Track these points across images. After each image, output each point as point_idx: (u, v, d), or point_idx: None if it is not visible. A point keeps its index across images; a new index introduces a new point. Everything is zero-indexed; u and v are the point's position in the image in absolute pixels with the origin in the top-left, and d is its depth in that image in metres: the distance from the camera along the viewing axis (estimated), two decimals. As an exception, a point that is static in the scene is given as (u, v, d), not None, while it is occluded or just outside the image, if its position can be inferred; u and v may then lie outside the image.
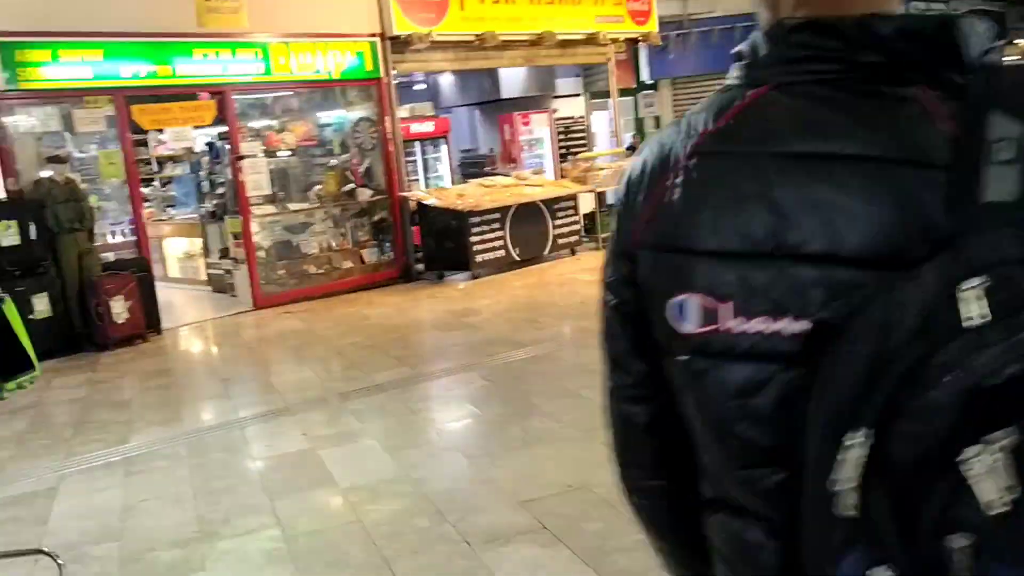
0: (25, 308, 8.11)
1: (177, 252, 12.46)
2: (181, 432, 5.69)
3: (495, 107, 15.47)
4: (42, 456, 5.46)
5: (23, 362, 3.41)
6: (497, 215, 11.06)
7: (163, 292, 11.25)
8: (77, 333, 8.64)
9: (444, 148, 14.09)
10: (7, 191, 8.48)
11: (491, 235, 11.02)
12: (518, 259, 11.30)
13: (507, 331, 7.82)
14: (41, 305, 8.29)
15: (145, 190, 14.24)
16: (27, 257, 8.30)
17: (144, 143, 14.62)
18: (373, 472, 4.67)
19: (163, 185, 14.19)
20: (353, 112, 11.48)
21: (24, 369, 3.41)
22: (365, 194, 11.30)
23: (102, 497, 4.64)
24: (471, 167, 15.51)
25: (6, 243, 8.17)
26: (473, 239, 10.79)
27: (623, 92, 15.02)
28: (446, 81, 15.97)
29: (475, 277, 10.81)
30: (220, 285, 11.37)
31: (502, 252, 11.14)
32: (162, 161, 14.64)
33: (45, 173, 8.69)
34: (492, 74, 14.61)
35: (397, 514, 4.07)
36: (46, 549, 3.67)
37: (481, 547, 3.64)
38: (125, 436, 5.70)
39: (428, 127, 13.72)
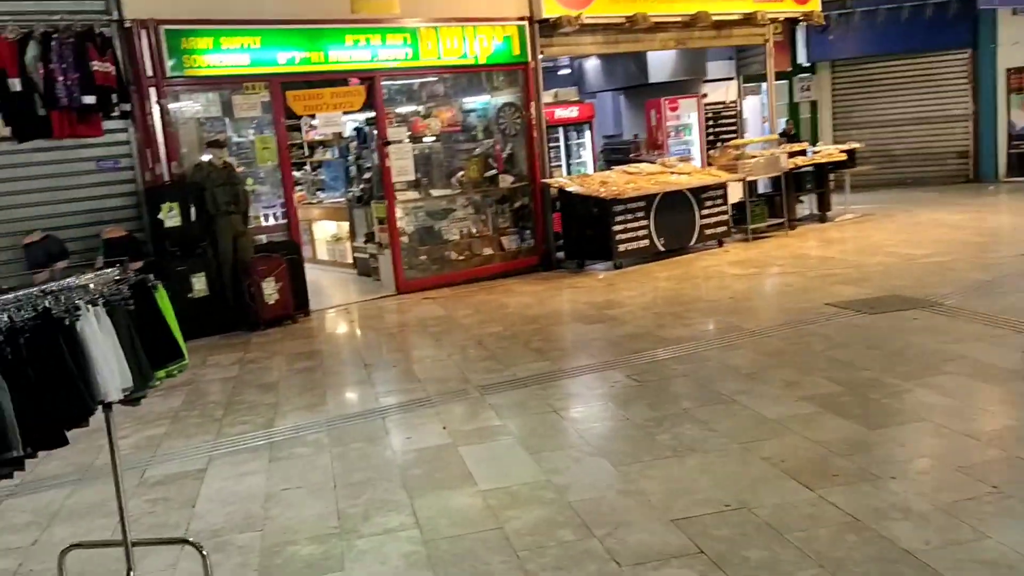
0: (184, 287, 8.42)
1: (325, 235, 12.73)
2: (324, 418, 5.67)
3: (642, 92, 15.00)
4: (194, 435, 5.56)
5: (173, 350, 3.36)
6: (641, 203, 10.67)
7: (311, 274, 11.49)
8: (231, 312, 8.89)
9: (587, 134, 13.74)
10: (171, 174, 8.80)
11: (635, 224, 10.63)
12: (662, 249, 10.87)
13: (651, 326, 7.45)
14: (199, 284, 8.57)
15: (296, 174, 14.64)
16: (187, 238, 8.58)
17: (297, 128, 15.05)
18: (514, 474, 4.45)
19: (313, 169, 14.54)
20: (498, 97, 11.32)
21: (174, 358, 3.37)
22: (507, 180, 11.14)
23: (247, 483, 4.64)
24: (614, 154, 15.12)
25: (169, 224, 8.47)
26: (616, 228, 10.44)
27: (778, 76, 14.21)
28: (591, 65, 15.60)
29: (617, 267, 10.46)
30: (365, 269, 11.51)
31: (646, 242, 10.74)
32: (313, 146, 15.02)
33: (205, 157, 8.97)
34: (639, 57, 14.14)
35: (540, 523, 3.83)
36: (192, 539, 3.65)
37: (632, 569, 3.35)
38: (271, 419, 5.73)
39: (572, 112, 13.41)
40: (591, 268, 10.72)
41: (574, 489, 4.20)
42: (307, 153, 15.07)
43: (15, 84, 7.84)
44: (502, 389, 5.97)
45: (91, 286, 3.12)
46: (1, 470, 2.51)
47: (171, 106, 8.84)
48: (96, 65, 8.19)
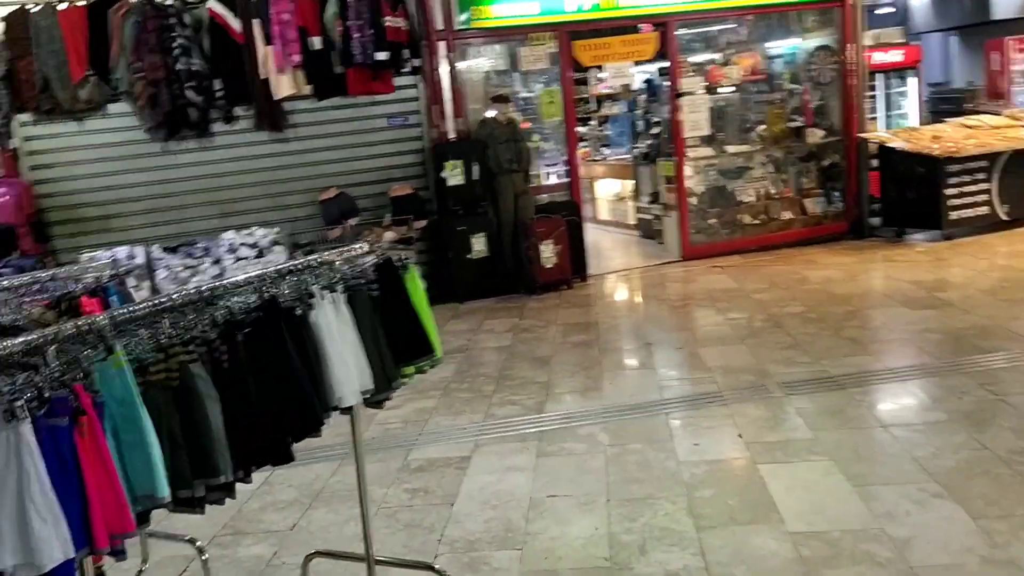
0: (463, 247, 8.12)
1: (608, 194, 12.03)
2: (599, 407, 4.98)
3: (980, 31, 12.57)
4: (462, 412, 5.12)
5: (421, 344, 2.78)
6: (982, 163, 8.78)
7: (591, 234, 10.89)
8: (509, 274, 8.50)
9: (913, 81, 11.73)
10: (456, 131, 8.51)
11: (972, 188, 8.79)
12: (1005, 218, 8.91)
13: (1002, 317, 5.92)
14: (479, 245, 8.24)
15: (581, 129, 14.09)
16: (469, 197, 8.26)
17: (584, 81, 14.44)
18: (833, 513, 3.45)
19: (599, 124, 13.88)
20: (809, 40, 9.83)
21: (422, 353, 2.79)
22: (815, 135, 9.68)
23: (511, 481, 4.06)
24: (943, 104, 12.87)
25: (452, 182, 8.19)
26: (948, 191, 8.68)
27: None
28: (918, 2, 13.34)
29: (947, 238, 8.72)
30: (648, 231, 10.68)
31: (985, 209, 8.85)
32: (600, 100, 14.34)
33: (490, 113, 8.57)
34: (984, -12, 11.78)
35: (874, 598, 2.84)
36: (437, 568, 3.10)
37: None
38: (542, 402, 5.15)
39: (895, 56, 11.49)
40: (911, 238, 9.05)
41: (918, 547, 3.13)
42: (593, 107, 14.44)
43: (315, 42, 7.83)
44: (810, 388, 4.91)
45: (336, 263, 2.59)
46: (209, 496, 2.04)
47: (458, 61, 8.52)
48: (388, 21, 7.99)
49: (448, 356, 6.23)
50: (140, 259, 7.36)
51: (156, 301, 2.01)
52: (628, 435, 4.48)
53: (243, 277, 2.27)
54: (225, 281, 2.24)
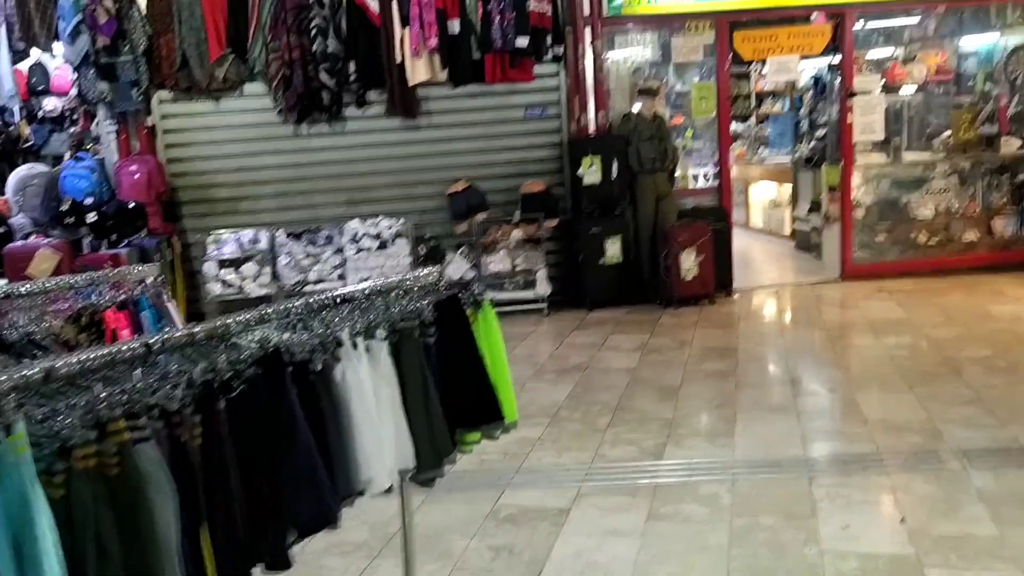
0: (596, 251, 7.44)
1: (762, 199, 10.97)
2: (727, 459, 4.19)
3: None
4: (568, 449, 4.45)
5: (489, 408, 2.14)
6: None
7: (741, 241, 9.99)
8: (645, 284, 7.74)
9: None
10: (597, 125, 7.81)
11: None
12: None
13: None
14: (612, 250, 7.51)
15: (739, 127, 13.03)
16: (606, 197, 7.55)
17: (746, 76, 13.36)
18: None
19: (758, 123, 12.78)
20: (1010, 37, 8.45)
21: (490, 418, 2.14)
22: (1011, 145, 8.31)
23: (612, 550, 3.36)
24: None
25: (588, 181, 7.50)
26: None
27: None
28: None
29: None
30: (805, 243, 9.61)
31: None
32: (761, 97, 13.23)
33: (635, 107, 7.82)
34: None
35: None
36: None
37: None
38: (661, 444, 4.40)
39: (1117, 57, 9.74)
40: None
41: None
42: (753, 104, 13.33)
43: (454, 26, 7.34)
44: (996, 462, 3.92)
45: (393, 296, 1.99)
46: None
47: (604, 50, 7.80)
48: (533, 4, 7.38)
49: (566, 374, 5.60)
50: (264, 244, 7.12)
51: (98, 355, 1.47)
52: (760, 503, 3.68)
53: (242, 318, 1.69)
54: (205, 331, 1.66)
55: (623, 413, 4.87)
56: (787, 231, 10.23)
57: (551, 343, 6.50)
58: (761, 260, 9.49)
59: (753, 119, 12.83)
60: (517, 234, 7.45)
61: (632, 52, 8.11)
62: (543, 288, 7.39)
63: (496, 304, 2.28)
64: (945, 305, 6.96)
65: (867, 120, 8.19)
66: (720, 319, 7.01)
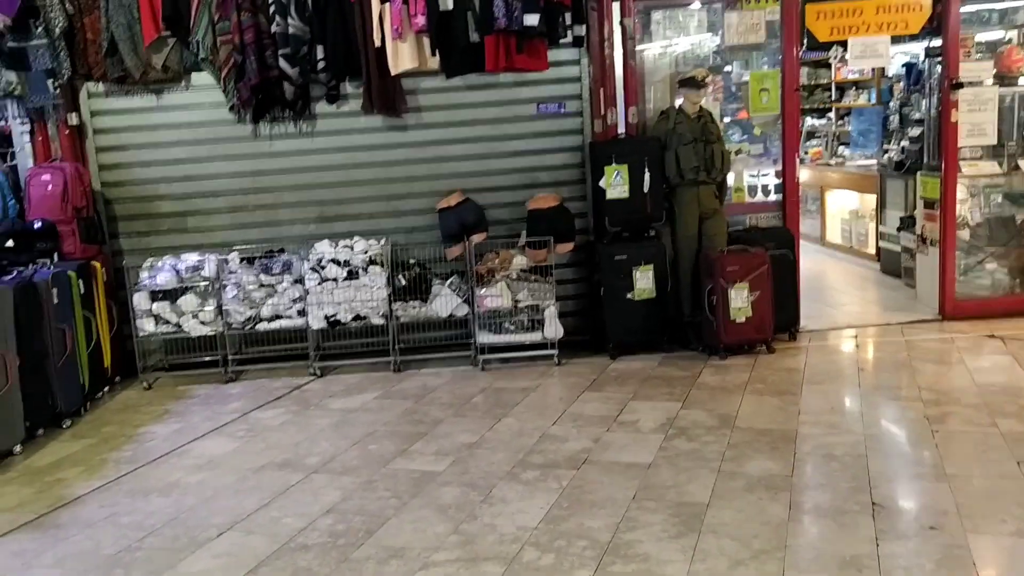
0: (623, 283, 5.93)
1: (841, 210, 9.18)
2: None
3: None
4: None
5: None
6: None
7: (814, 259, 8.36)
8: (684, 324, 6.15)
9: None
10: (627, 124, 6.24)
11: None
12: None
13: None
14: (643, 282, 5.93)
15: (815, 122, 11.24)
16: (634, 215, 5.98)
17: (826, 64, 11.58)
18: None
19: (839, 118, 10.98)
20: None
21: None
22: None
23: None
24: None
25: (613, 195, 5.94)
26: None
27: None
28: None
29: None
30: (893, 266, 7.87)
31: None
32: (843, 87, 11.43)
33: (677, 102, 6.21)
34: None
35: None
36: None
37: None
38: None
39: None
40: None
41: None
42: (833, 96, 11.53)
43: (447, 0, 5.87)
44: None
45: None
46: None
47: (637, 30, 6.21)
48: (546, -27, 5.85)
49: (552, 473, 4.09)
50: (208, 270, 5.78)
51: None
52: None
53: None
54: None
55: (614, 560, 3.30)
56: (871, 249, 8.47)
57: (549, 413, 4.96)
58: (838, 287, 7.75)
59: (832, 114, 11.05)
60: (520, 261, 5.94)
61: (672, 33, 6.48)
62: (552, 330, 5.87)
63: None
64: (1085, 366, 5.18)
65: (976, 119, 6.44)
66: (778, 380, 5.35)
